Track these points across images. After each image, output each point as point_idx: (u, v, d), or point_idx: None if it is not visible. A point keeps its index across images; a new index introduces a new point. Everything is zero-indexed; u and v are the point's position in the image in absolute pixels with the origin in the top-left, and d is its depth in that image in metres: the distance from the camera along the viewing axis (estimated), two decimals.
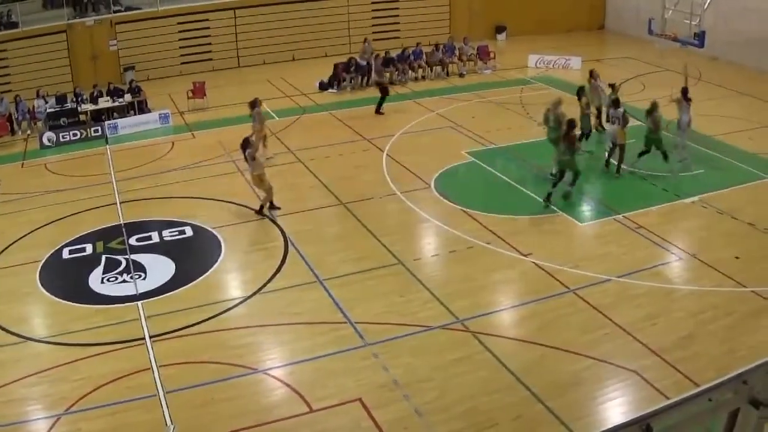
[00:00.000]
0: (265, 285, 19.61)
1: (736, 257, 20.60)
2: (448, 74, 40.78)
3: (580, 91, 28.56)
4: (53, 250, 21.86)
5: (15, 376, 16.05)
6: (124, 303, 18.87)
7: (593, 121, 29.03)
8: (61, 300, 19.23)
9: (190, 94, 35.33)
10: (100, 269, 20.60)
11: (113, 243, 22.13)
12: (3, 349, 17.14)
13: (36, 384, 15.80)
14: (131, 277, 20.08)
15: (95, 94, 33.97)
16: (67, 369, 16.18)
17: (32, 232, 23.16)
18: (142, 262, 20.91)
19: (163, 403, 14.98)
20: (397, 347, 16.87)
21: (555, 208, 23.60)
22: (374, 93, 35.72)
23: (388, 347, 16.84)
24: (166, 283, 19.86)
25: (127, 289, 19.49)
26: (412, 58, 39.98)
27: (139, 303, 18.80)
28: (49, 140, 31.24)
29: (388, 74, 38.31)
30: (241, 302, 18.92)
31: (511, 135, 30.61)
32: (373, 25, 46.26)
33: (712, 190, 24.80)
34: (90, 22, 39.07)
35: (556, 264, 20.34)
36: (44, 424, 14.66)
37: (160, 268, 20.56)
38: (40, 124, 33.10)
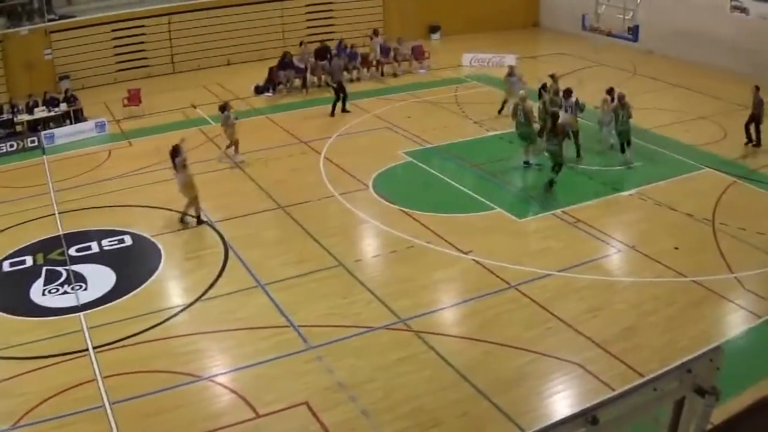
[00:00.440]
0: (206, 291, 19.67)
1: (676, 248, 21.09)
2: (383, 74, 40.93)
3: (542, 89, 29.12)
4: None
5: None
6: (66, 314, 18.79)
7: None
8: (2, 314, 19.06)
9: (126, 102, 35.07)
10: (41, 281, 20.49)
11: (53, 254, 22.02)
12: None
13: None
14: (72, 288, 20.03)
15: (31, 104, 33.64)
16: (11, 384, 16.12)
17: None
18: (83, 273, 20.85)
19: (110, 414, 15.02)
20: (340, 349, 17.06)
21: (492, 206, 23.91)
22: (311, 96, 35.86)
23: (331, 349, 17.01)
24: (107, 293, 19.82)
25: (69, 301, 19.44)
26: (347, 59, 40.02)
27: (81, 314, 18.74)
28: None
29: (346, 73, 38.34)
30: (183, 310, 18.96)
31: (447, 134, 30.91)
32: (308, 27, 46.16)
33: (650, 183, 25.35)
34: (24, 32, 38.64)
35: (496, 261, 20.62)
36: None
37: (100, 279, 20.52)
38: None
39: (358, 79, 40.25)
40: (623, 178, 25.89)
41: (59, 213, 24.76)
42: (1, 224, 24.23)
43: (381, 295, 19.14)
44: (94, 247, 22.38)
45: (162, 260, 21.52)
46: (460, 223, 23.26)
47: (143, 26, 42.14)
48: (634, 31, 31.12)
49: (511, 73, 32.92)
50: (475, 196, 24.90)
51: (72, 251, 22.12)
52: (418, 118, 33.08)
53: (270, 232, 23.33)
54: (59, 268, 21.15)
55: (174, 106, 35.72)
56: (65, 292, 19.90)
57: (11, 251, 22.32)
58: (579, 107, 27.37)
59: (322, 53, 38.15)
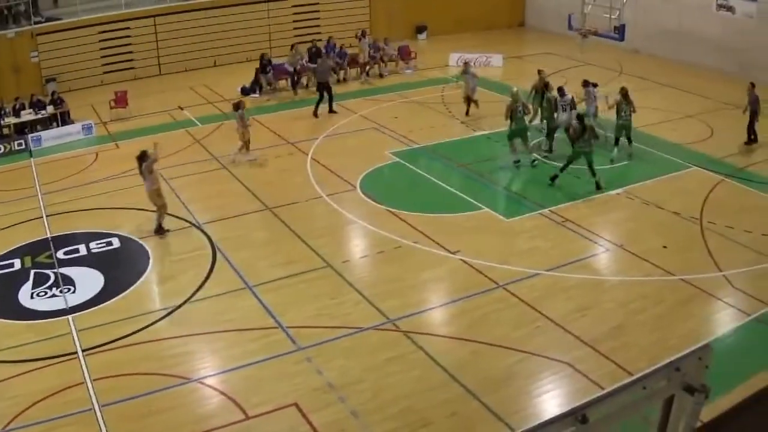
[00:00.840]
0: (194, 293, 19.64)
1: (664, 246, 21.16)
2: (368, 75, 40.93)
3: (545, 88, 29.24)
4: None
5: None
6: (54, 317, 18.76)
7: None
8: None
9: (113, 104, 34.99)
10: (29, 284, 20.45)
11: (41, 257, 21.97)
12: None
13: None
14: (61, 291, 20.00)
15: (17, 106, 33.56)
16: (0, 387, 16.08)
17: None
18: (71, 276, 20.81)
19: (99, 417, 15.00)
20: (329, 350, 17.07)
21: (480, 206, 23.95)
22: (299, 97, 35.87)
23: (320, 350, 17.02)
24: (95, 295, 19.79)
25: (57, 304, 19.41)
26: (337, 58, 39.99)
27: (70, 317, 18.72)
28: None
29: (333, 74, 38.22)
30: (171, 312, 18.93)
31: (434, 134, 30.96)
32: (294, 29, 46.18)
33: (638, 182, 25.44)
34: (11, 35, 38.54)
35: (484, 260, 20.67)
36: None
37: (89, 281, 20.49)
38: None
39: (345, 80, 40.24)
40: (611, 177, 25.92)
41: (47, 216, 24.71)
42: None
43: (369, 296, 19.16)
44: (82, 249, 22.33)
45: (150, 262, 21.48)
46: (448, 223, 23.29)
47: (129, 28, 42.04)
48: (620, 31, 31.17)
49: (465, 70, 32.97)
50: (463, 195, 24.95)
51: (60, 254, 22.07)
52: (405, 119, 33.11)
53: (258, 233, 23.31)
54: (47, 271, 21.10)
55: (161, 108, 35.67)
56: (53, 295, 19.85)
57: None
58: (573, 105, 27.59)
59: (315, 55, 38.01)
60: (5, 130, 32.76)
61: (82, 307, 19.23)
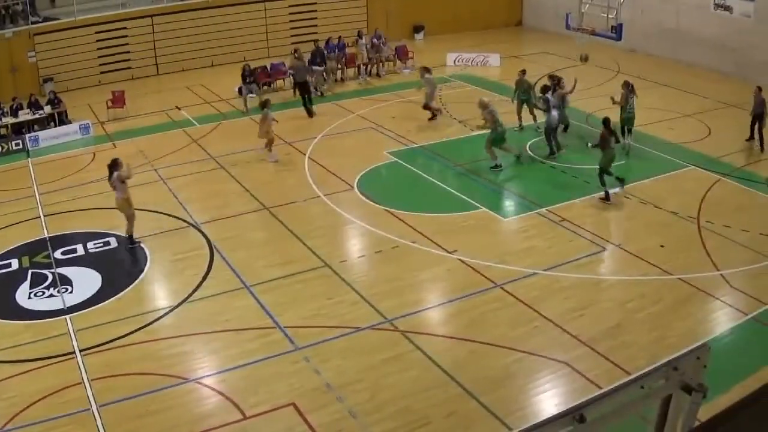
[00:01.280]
0: (192, 293, 19.66)
1: (661, 246, 21.18)
2: (370, 74, 40.99)
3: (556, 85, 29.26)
4: None
5: None
6: (52, 317, 18.78)
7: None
8: None
9: (110, 104, 35.01)
10: (26, 284, 20.48)
11: (39, 257, 21.98)
12: None
13: None
14: (58, 291, 20.01)
15: (15, 106, 33.54)
16: None
17: None
18: (69, 276, 20.84)
19: (97, 417, 15.01)
20: (327, 350, 17.08)
21: (477, 206, 23.97)
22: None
23: (318, 350, 17.03)
24: (93, 295, 19.82)
25: (55, 304, 19.44)
26: (336, 51, 39.96)
27: (68, 317, 18.74)
28: None
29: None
30: (169, 312, 18.96)
31: (432, 134, 30.98)
32: (291, 29, 46.23)
33: (635, 181, 25.38)
34: (8, 34, 38.50)
35: (481, 260, 20.68)
36: None
37: (86, 281, 20.52)
38: None
39: (342, 80, 40.26)
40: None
41: (44, 216, 24.72)
42: None
43: (367, 296, 19.17)
44: (80, 249, 22.35)
45: (148, 262, 21.50)
46: (445, 222, 23.28)
47: (126, 28, 42.01)
48: (617, 30, 31.19)
49: (422, 74, 32.65)
50: (460, 195, 24.94)
51: (57, 254, 22.08)
52: (403, 118, 33.07)
53: (255, 233, 23.31)
54: (45, 271, 21.11)
55: (158, 108, 35.67)
56: (51, 295, 19.87)
57: None
58: (565, 102, 27.71)
59: (318, 56, 37.92)
60: (2, 130, 32.76)
61: (80, 307, 19.25)
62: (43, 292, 20.02)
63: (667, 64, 40.49)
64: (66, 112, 34.22)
